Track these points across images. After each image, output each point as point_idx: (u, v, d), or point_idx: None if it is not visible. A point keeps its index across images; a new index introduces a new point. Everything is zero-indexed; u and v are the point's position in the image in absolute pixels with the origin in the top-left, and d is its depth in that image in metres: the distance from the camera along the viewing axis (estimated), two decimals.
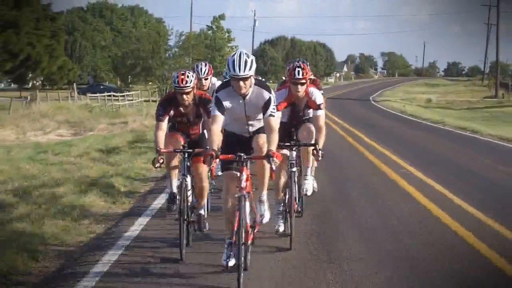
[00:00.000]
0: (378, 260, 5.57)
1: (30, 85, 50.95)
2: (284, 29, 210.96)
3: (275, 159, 4.72)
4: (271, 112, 4.95)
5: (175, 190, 5.97)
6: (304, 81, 5.96)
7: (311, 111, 6.28)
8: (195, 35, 58.56)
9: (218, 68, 53.52)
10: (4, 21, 29.29)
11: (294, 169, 6.01)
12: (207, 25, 70.24)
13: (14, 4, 29.68)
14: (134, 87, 57.24)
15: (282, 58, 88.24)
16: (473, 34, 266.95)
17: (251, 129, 5.28)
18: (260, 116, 5.10)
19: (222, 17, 71.98)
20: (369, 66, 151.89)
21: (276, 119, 5.04)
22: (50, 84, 41.40)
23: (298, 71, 5.93)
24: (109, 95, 42.40)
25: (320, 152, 5.84)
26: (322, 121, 6.09)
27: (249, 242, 4.97)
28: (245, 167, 4.86)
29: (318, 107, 6.09)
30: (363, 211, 7.74)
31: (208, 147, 4.92)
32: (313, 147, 5.93)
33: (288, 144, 6.09)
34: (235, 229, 4.69)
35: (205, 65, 7.14)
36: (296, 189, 6.04)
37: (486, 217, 7.17)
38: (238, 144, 5.18)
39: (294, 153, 6.09)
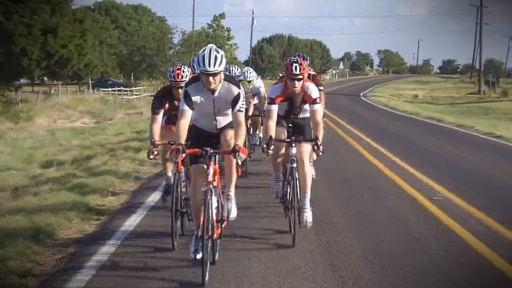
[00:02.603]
0: (330, 183, 9.39)
1: (37, 81, 54.35)
2: (281, 27, 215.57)
3: (241, 154, 4.74)
4: (240, 107, 4.98)
5: (171, 182, 6.05)
6: (301, 76, 5.85)
7: (307, 106, 6.15)
8: (198, 33, 62.22)
9: None
10: (45, 27, 33.68)
11: (295, 164, 5.95)
12: (208, 24, 73.51)
13: (51, 12, 34.15)
14: (140, 82, 61.02)
15: (280, 55, 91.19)
16: (468, 32, 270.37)
17: (218, 125, 5.30)
18: (228, 111, 5.11)
19: (222, 16, 75.29)
20: (365, 63, 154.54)
21: (243, 114, 5.06)
22: (78, 79, 45.31)
23: (296, 66, 5.80)
24: (119, 90, 46.30)
25: (320, 147, 5.75)
26: (319, 115, 6.01)
27: (216, 236, 5.00)
28: (211, 162, 4.87)
29: (314, 101, 5.94)
30: (327, 163, 11.58)
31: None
32: (313, 143, 5.84)
33: (288, 140, 6.11)
34: (201, 222, 4.72)
35: None
36: (298, 184, 5.97)
37: (404, 164, 11.07)
38: (206, 138, 5.23)
39: (294, 149, 6.00)
